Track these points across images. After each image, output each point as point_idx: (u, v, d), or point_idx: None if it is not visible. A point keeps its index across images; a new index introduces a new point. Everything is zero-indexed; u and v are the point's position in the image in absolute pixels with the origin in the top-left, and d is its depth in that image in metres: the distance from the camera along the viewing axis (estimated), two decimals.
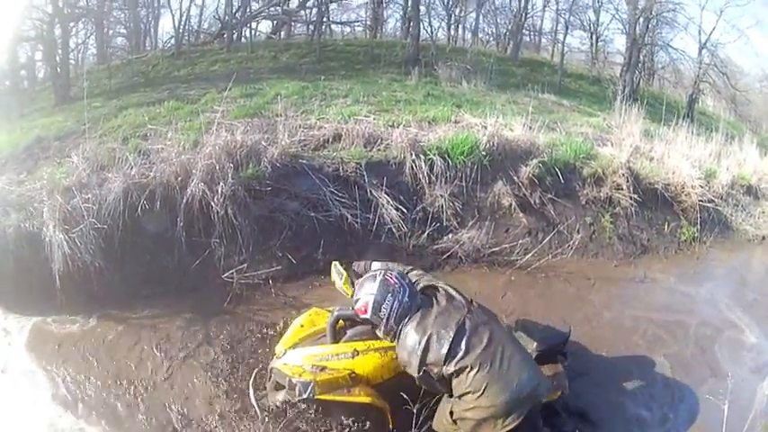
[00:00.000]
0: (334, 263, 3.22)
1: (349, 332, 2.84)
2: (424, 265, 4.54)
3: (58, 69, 7.15)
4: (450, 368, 2.40)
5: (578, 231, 5.14)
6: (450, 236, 4.70)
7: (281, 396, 2.86)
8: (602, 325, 4.29)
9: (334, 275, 3.16)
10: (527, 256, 4.74)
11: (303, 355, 2.81)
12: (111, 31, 9.00)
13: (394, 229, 4.58)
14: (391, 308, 2.49)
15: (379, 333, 2.59)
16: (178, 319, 3.78)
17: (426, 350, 2.42)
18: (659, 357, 4.00)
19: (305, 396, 2.61)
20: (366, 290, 2.54)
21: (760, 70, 13.21)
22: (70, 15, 7.79)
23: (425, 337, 2.43)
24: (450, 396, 2.53)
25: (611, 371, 3.77)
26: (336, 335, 2.81)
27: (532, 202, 5.07)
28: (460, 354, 2.40)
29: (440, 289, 2.68)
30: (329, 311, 3.06)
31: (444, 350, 2.40)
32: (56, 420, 3.08)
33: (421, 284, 2.71)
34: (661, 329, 4.35)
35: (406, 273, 2.78)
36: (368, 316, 2.53)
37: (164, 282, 4.07)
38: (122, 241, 4.00)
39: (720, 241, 6.59)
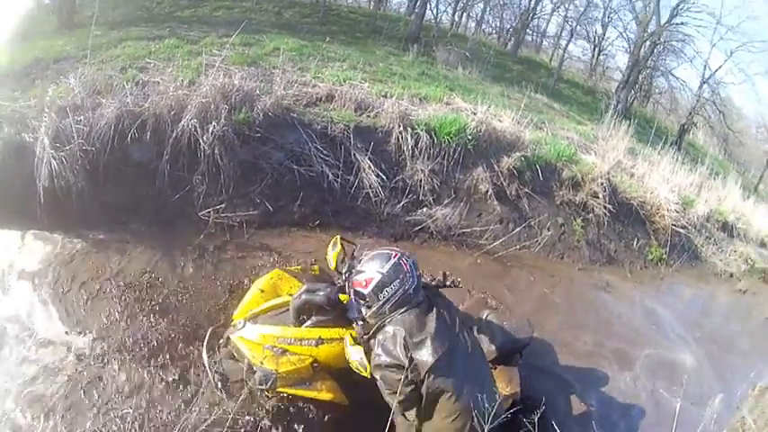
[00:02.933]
0: (336, 237, 3.06)
1: (314, 318, 2.73)
2: (395, 233, 4.78)
3: None
4: (428, 382, 2.30)
5: (548, 229, 5.40)
6: (424, 210, 4.92)
7: (237, 373, 2.80)
8: (562, 325, 4.46)
9: (329, 247, 3.00)
10: (495, 243, 4.99)
11: (264, 333, 2.73)
12: None
13: (371, 194, 4.79)
14: (394, 293, 2.36)
15: (366, 312, 2.47)
16: (147, 250, 3.85)
17: (419, 347, 2.30)
18: (616, 364, 4.22)
19: (265, 387, 2.58)
20: (375, 265, 2.40)
21: (759, 117, 13.73)
22: None
23: (422, 335, 2.32)
24: (407, 409, 2.41)
25: (570, 373, 3.93)
26: (299, 316, 2.73)
27: (509, 193, 5.31)
28: (443, 373, 2.30)
29: (441, 302, 2.55)
30: (292, 276, 3.10)
31: (432, 360, 2.27)
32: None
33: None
34: (618, 339, 4.57)
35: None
36: (365, 291, 2.39)
37: (141, 211, 4.17)
38: (107, 166, 4.10)
39: (687, 268, 6.90)
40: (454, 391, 2.31)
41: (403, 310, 2.37)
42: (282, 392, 2.69)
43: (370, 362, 2.42)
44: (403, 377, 2.27)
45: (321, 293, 2.64)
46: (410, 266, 2.42)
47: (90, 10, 6.74)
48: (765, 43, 11.82)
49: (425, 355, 2.28)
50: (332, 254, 2.93)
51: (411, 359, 2.28)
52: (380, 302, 2.38)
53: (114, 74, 4.92)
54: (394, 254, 2.44)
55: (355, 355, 2.49)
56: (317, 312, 2.71)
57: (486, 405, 2.25)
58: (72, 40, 6.15)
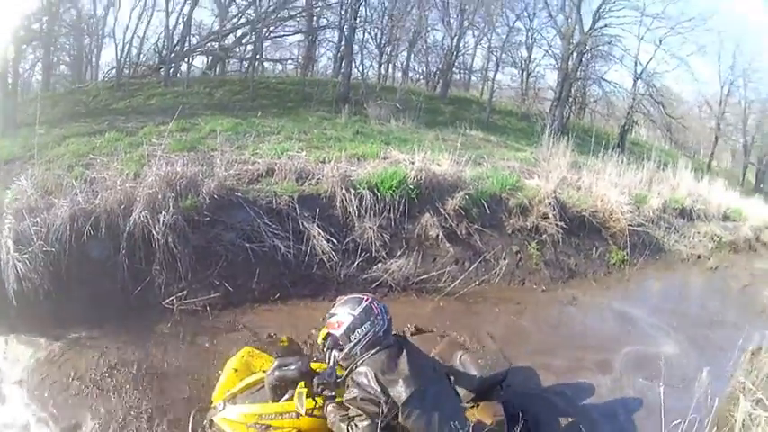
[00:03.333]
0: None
1: (290, 390, 2.75)
2: (353, 293, 4.87)
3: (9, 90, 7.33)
4: (402, 417, 2.43)
5: (504, 259, 5.57)
6: (379, 265, 5.04)
7: None
8: (536, 349, 4.54)
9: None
10: (454, 283, 5.11)
11: (245, 412, 2.78)
12: (55, 59, 9.35)
13: (325, 260, 4.91)
14: (365, 334, 2.52)
15: (338, 356, 2.61)
16: (120, 344, 3.91)
17: (392, 385, 2.43)
18: (596, 372, 4.32)
19: None
20: (347, 309, 2.58)
21: (699, 96, 14.29)
22: (23, 38, 8.05)
23: (394, 375, 2.45)
24: None
25: (551, 390, 4.02)
26: (276, 391, 2.78)
27: (459, 233, 5.48)
28: (417, 407, 2.44)
29: (411, 347, 2.70)
30: (263, 352, 3.20)
31: (406, 396, 2.42)
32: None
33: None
34: (594, 349, 4.67)
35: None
36: (338, 333, 2.55)
37: (108, 306, 4.21)
38: (69, 265, 4.16)
39: (652, 263, 7.12)
40: (428, 426, 2.44)
41: (374, 351, 2.52)
42: None
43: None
44: (380, 411, 2.40)
45: (293, 367, 2.71)
46: (380, 310, 2.60)
47: (31, 108, 6.86)
48: (693, 21, 12.34)
49: (399, 392, 2.42)
50: (322, 333, 2.99)
51: (387, 394, 2.42)
52: (352, 344, 2.53)
53: (62, 173, 5.03)
54: (365, 298, 2.63)
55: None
56: (292, 385, 2.75)
57: None
58: (18, 140, 6.27)
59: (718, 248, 8.72)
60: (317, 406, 2.66)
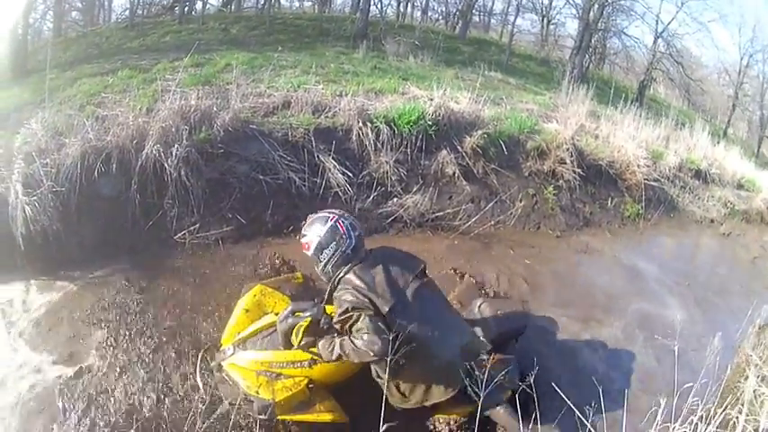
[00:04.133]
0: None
1: (304, 339, 2.68)
2: (369, 227, 4.84)
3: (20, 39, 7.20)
4: (389, 321, 2.47)
5: (520, 201, 5.51)
6: (395, 200, 5.00)
7: (234, 397, 2.76)
8: (549, 296, 4.54)
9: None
10: (470, 222, 5.08)
11: (255, 359, 2.77)
12: (66, 5, 9.15)
13: (340, 193, 4.86)
14: (332, 254, 2.59)
15: (317, 269, 2.69)
16: (132, 280, 3.89)
17: (373, 298, 2.48)
18: (607, 322, 4.31)
19: (264, 417, 2.59)
20: (314, 230, 2.62)
21: (719, 63, 14.02)
22: None
23: (371, 290, 2.50)
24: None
25: (562, 338, 4.02)
26: (289, 338, 2.68)
27: (476, 172, 5.41)
28: (399, 323, 2.46)
29: (388, 254, 2.75)
30: (275, 290, 3.14)
31: (386, 309, 2.48)
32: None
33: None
34: (605, 298, 4.66)
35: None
36: (309, 253, 2.63)
37: (119, 244, 4.21)
38: (79, 204, 4.13)
39: (666, 220, 7.06)
40: (417, 335, 2.49)
41: (346, 268, 2.59)
42: (282, 419, 2.70)
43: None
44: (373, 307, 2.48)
45: (307, 314, 2.64)
46: (347, 228, 2.63)
47: (41, 54, 6.76)
48: None
49: (380, 305, 2.48)
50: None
51: (371, 301, 2.48)
52: (323, 263, 2.62)
53: (73, 113, 4.91)
54: (332, 217, 2.65)
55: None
56: (306, 333, 2.67)
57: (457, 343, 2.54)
58: (28, 86, 6.14)
59: (731, 215, 8.64)
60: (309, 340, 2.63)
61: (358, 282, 2.53)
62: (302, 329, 2.60)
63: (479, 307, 3.24)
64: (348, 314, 2.50)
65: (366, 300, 2.48)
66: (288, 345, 2.69)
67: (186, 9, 9.31)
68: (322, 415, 2.66)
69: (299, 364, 2.72)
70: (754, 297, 4.85)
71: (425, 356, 2.53)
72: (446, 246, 4.92)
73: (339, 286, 2.59)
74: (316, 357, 2.69)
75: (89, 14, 10.28)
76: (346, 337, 2.54)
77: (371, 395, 2.64)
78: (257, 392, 2.63)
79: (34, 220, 3.83)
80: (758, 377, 3.35)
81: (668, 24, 10.34)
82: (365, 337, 2.44)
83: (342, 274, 2.59)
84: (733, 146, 11.00)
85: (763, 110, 14.75)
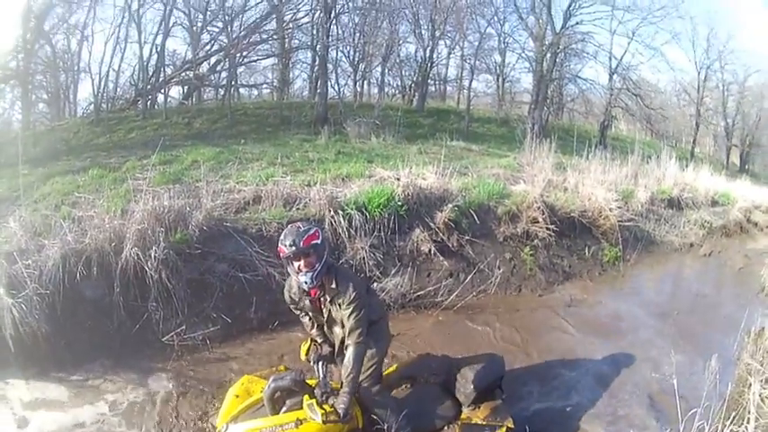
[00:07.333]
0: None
1: (288, 402, 2.92)
2: None
3: None
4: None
5: (498, 267, 5.65)
6: (374, 285, 5.07)
7: None
8: (535, 350, 4.65)
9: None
10: (451, 297, 5.18)
11: (247, 428, 2.89)
12: (34, 96, 9.42)
13: None
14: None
15: (310, 266, 2.82)
16: (124, 383, 3.91)
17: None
18: (598, 371, 4.38)
19: None
20: (313, 240, 2.79)
21: (677, 84, 14.72)
22: (1, 77, 8.06)
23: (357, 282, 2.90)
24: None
25: (554, 389, 4.11)
26: (275, 406, 2.91)
27: (451, 245, 5.57)
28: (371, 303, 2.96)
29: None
30: (262, 378, 3.25)
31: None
32: None
33: None
34: (592, 346, 4.78)
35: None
36: (318, 267, 2.80)
37: (107, 346, 4.22)
38: (64, 307, 4.16)
39: (645, 256, 7.29)
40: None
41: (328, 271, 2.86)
42: None
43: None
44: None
45: (288, 378, 2.83)
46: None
47: (12, 148, 6.82)
48: (664, 9, 12.68)
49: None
50: (303, 347, 3.24)
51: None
52: (323, 258, 2.83)
53: (50, 213, 5.03)
54: (314, 229, 2.83)
55: (316, 416, 2.73)
56: (289, 397, 2.90)
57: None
58: (2, 181, 6.29)
59: (710, 234, 8.96)
60: (329, 411, 2.78)
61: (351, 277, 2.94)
62: (315, 405, 2.78)
63: (456, 364, 3.47)
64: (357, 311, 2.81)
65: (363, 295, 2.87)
66: (274, 411, 2.87)
67: (149, 103, 9.59)
68: None
69: (286, 426, 2.83)
70: (746, 306, 5.01)
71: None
72: (431, 323, 5.00)
73: (344, 290, 2.83)
74: (303, 419, 2.82)
75: (55, 107, 10.55)
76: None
77: None
78: None
79: (23, 322, 3.86)
80: (762, 381, 3.43)
81: (622, 58, 10.93)
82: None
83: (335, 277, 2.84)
84: (702, 165, 11.45)
85: (727, 119, 15.44)
